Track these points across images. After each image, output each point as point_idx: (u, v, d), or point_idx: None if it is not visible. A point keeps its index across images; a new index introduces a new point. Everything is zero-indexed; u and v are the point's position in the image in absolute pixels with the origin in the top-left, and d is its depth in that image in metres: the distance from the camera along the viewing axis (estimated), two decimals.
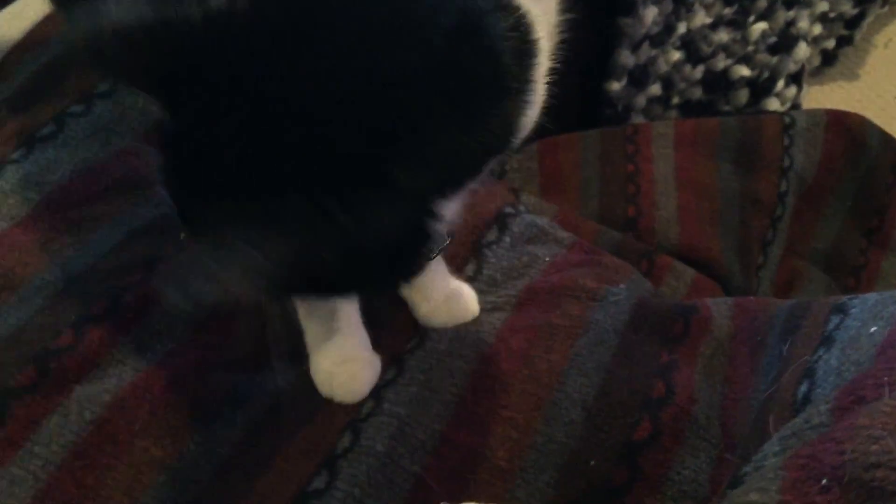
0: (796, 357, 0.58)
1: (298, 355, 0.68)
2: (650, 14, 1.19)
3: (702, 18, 1.25)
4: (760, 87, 1.34)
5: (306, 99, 0.44)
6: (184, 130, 0.47)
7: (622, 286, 0.73)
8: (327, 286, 0.52)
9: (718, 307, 0.74)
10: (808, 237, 1.13)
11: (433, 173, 0.47)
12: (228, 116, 0.44)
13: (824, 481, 0.40)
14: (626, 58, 1.22)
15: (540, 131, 1.23)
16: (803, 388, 0.53)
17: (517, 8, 0.47)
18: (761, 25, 1.28)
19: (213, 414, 0.65)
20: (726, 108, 1.33)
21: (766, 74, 1.33)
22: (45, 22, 0.92)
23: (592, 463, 0.61)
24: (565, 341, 0.68)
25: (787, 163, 1.14)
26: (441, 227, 0.50)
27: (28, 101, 0.86)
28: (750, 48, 1.30)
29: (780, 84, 1.34)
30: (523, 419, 0.63)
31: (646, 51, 1.23)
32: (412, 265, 0.54)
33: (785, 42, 1.31)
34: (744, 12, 1.27)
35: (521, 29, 0.47)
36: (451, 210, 0.51)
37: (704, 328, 0.71)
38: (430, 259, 0.62)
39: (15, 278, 0.72)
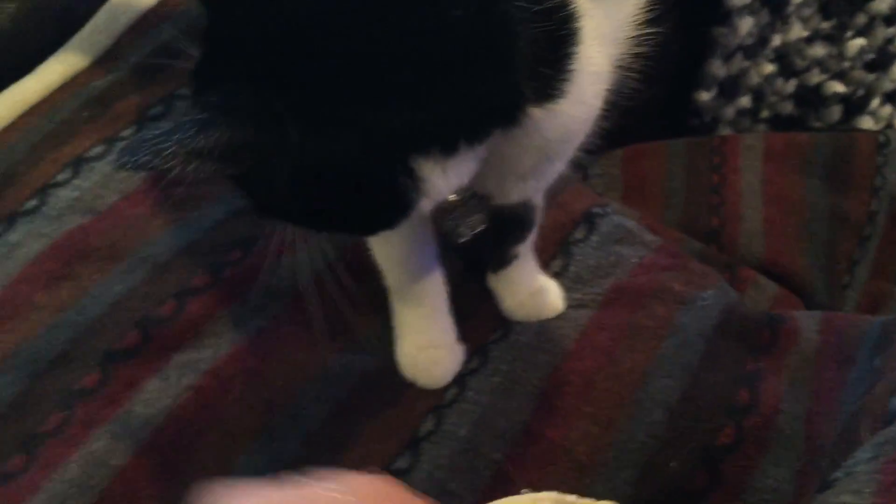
0: (890, 370, 0.57)
1: (388, 339, 0.70)
2: (745, 25, 1.18)
3: (798, 32, 1.23)
4: (854, 105, 1.31)
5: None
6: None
7: (710, 291, 0.73)
8: (282, 210, 0.50)
9: (806, 320, 0.73)
10: None
11: (405, 119, 0.43)
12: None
13: None
14: (718, 68, 1.21)
15: (624, 138, 1.24)
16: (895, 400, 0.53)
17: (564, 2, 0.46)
18: (859, 41, 1.26)
19: (303, 389, 0.67)
20: (817, 124, 1.31)
21: (861, 92, 1.30)
22: (160, 5, 0.96)
23: (673, 464, 0.62)
24: (650, 342, 0.68)
25: (879, 182, 1.12)
26: (427, 194, 0.46)
27: (139, 82, 0.90)
28: (846, 64, 1.28)
29: (876, 102, 1.31)
30: (605, 416, 0.64)
31: (738, 62, 1.22)
32: (374, 217, 0.49)
33: (883, 59, 1.28)
34: (842, 27, 1.25)
35: (556, 15, 0.46)
36: (443, 180, 0.46)
37: (792, 340, 0.70)
38: (461, 240, 0.61)
39: (121, 249, 0.76)
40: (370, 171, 0.44)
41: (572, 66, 0.47)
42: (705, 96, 1.24)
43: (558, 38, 0.46)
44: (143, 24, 0.95)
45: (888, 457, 0.42)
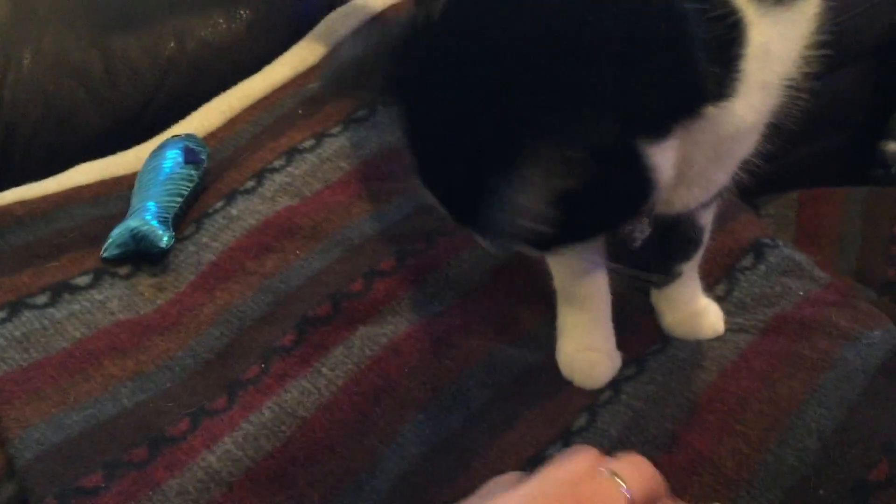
0: None
1: (551, 338, 0.75)
2: None
3: None
4: None
5: (512, 56, 0.48)
6: (424, 125, 0.53)
7: (877, 332, 0.73)
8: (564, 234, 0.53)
9: None
10: None
11: (628, 106, 0.47)
12: (455, 97, 0.49)
13: None
14: None
15: (804, 183, 1.22)
16: None
17: (732, 9, 0.50)
18: None
19: (469, 372, 0.73)
20: None
21: None
22: (373, 21, 1.06)
23: (821, 492, 0.62)
24: (810, 372, 0.69)
25: None
26: (660, 180, 0.50)
27: (348, 88, 1.00)
28: None
29: None
30: (756, 436, 0.65)
31: None
32: (623, 210, 0.53)
33: None
34: None
35: (725, 21, 0.49)
36: (667, 165, 0.50)
37: None
38: (634, 244, 0.64)
39: (321, 231, 0.85)
40: (620, 163, 0.49)
41: (742, 68, 0.51)
42: (892, 146, 1.22)
43: (728, 40, 0.50)
44: (358, 35, 1.05)
45: None
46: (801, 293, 0.78)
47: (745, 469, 0.64)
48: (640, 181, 0.50)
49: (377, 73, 0.57)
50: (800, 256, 0.82)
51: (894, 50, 1.19)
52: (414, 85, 0.52)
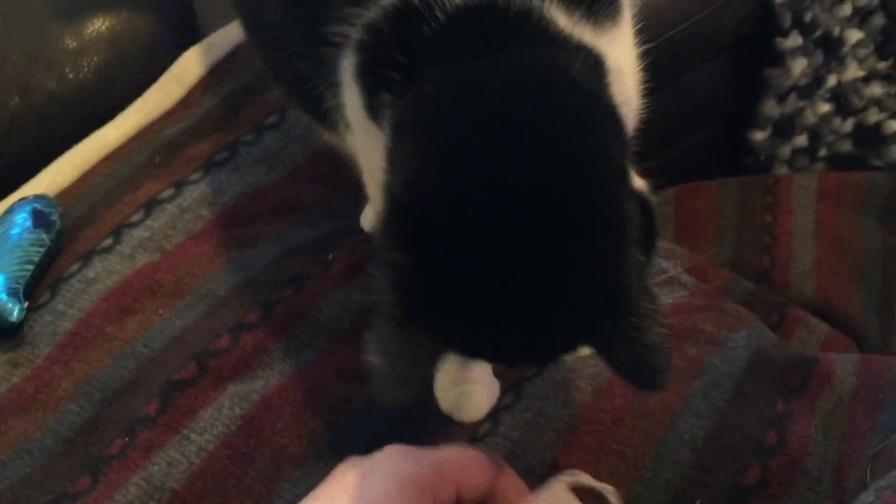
0: None
1: (427, 374, 0.73)
2: (798, 66, 1.19)
3: (854, 71, 1.23)
4: None
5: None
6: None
7: (742, 333, 0.74)
8: None
9: (843, 363, 0.74)
10: None
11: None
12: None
13: None
14: (772, 108, 1.22)
15: (678, 177, 1.25)
16: None
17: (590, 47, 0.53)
18: None
19: (346, 420, 0.71)
20: (877, 162, 1.30)
21: None
22: (228, 59, 1.04)
23: (698, 502, 0.63)
24: (680, 382, 0.69)
25: None
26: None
27: (208, 129, 0.97)
28: None
29: None
30: (632, 453, 0.66)
31: (792, 102, 1.22)
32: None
33: None
34: None
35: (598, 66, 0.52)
36: None
37: (825, 382, 0.71)
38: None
39: (184, 286, 0.82)
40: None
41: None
42: (760, 136, 1.25)
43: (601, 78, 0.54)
44: (213, 76, 1.02)
45: (882, 499, 0.43)
46: (669, 301, 0.78)
47: (624, 488, 0.64)
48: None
49: None
50: (666, 263, 0.83)
51: (750, 42, 1.22)
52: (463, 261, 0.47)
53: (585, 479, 0.60)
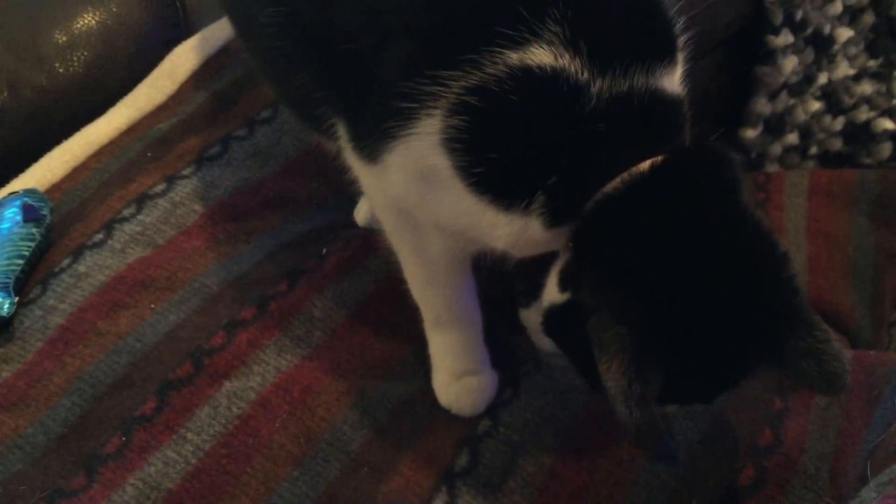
0: None
1: (424, 366, 0.73)
2: (790, 64, 1.19)
3: (844, 70, 1.23)
4: None
5: None
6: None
7: None
8: None
9: None
10: None
11: None
12: None
13: None
14: (763, 106, 1.22)
15: None
16: None
17: None
18: None
19: (343, 416, 0.71)
20: (868, 160, 1.30)
21: None
22: (219, 54, 1.03)
23: (694, 502, 0.63)
24: None
25: None
26: None
27: (200, 124, 0.96)
28: (895, 101, 1.27)
29: None
30: (627, 455, 0.66)
31: (783, 100, 1.22)
32: None
33: None
34: (889, 65, 1.25)
35: None
36: None
37: None
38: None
39: (177, 281, 0.81)
40: None
41: None
42: (751, 133, 1.25)
43: None
44: (205, 70, 1.01)
45: (885, 494, 0.44)
46: None
47: (619, 492, 0.64)
48: None
49: None
50: None
51: (742, 40, 1.22)
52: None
53: None
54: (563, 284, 0.58)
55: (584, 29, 0.51)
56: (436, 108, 0.52)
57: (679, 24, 0.58)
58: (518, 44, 0.50)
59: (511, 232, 0.55)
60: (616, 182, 0.52)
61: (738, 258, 0.52)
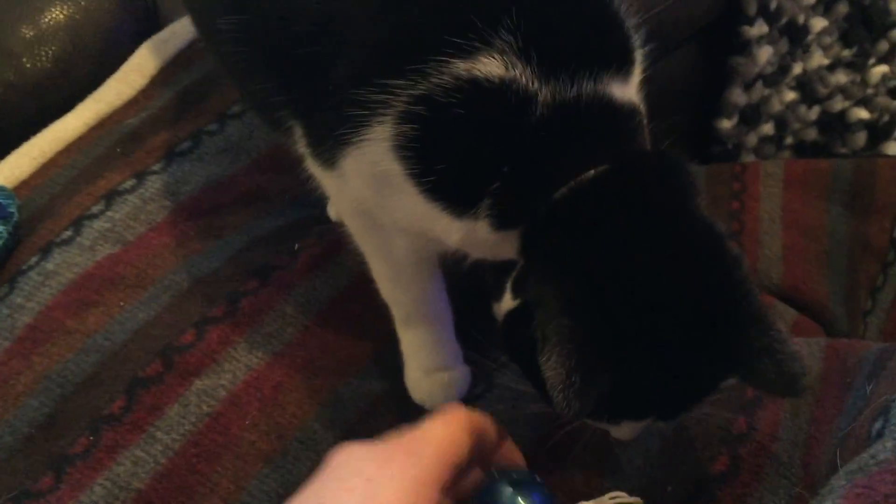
0: (878, 396, 0.58)
1: (396, 363, 0.72)
2: (764, 54, 1.19)
3: (819, 60, 1.24)
4: (880, 131, 1.31)
5: None
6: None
7: None
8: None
9: (810, 347, 0.74)
10: None
11: None
12: None
13: None
14: (738, 96, 1.23)
15: None
16: (877, 425, 0.54)
17: None
18: (882, 68, 1.26)
19: (315, 415, 0.70)
20: (843, 150, 1.31)
21: (885, 118, 1.30)
22: (190, 48, 1.01)
23: (669, 489, 0.63)
24: None
25: None
26: None
27: (171, 119, 0.95)
28: (869, 91, 1.28)
29: None
30: (601, 444, 0.65)
31: (759, 90, 1.23)
32: None
33: None
34: (863, 55, 1.25)
35: None
36: None
37: None
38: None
39: (147, 278, 0.80)
40: None
41: None
42: (727, 124, 1.25)
43: None
44: (175, 65, 1.00)
45: (853, 483, 0.44)
46: None
47: (594, 479, 0.64)
48: None
49: None
50: None
51: (717, 31, 1.23)
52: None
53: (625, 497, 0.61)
54: (515, 290, 0.58)
55: (535, 38, 0.50)
56: (386, 115, 0.52)
57: (637, 33, 0.57)
58: (467, 53, 0.50)
59: (463, 235, 0.55)
60: (563, 189, 0.53)
61: (687, 260, 0.51)
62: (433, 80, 0.50)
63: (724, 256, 0.52)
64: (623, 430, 0.59)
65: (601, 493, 0.63)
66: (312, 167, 0.64)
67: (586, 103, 0.52)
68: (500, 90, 0.50)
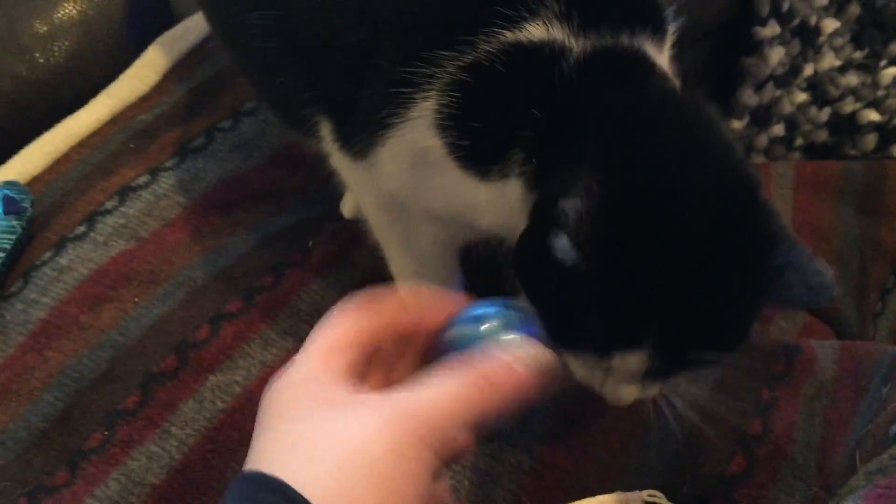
0: (894, 399, 0.58)
1: None
2: (776, 55, 1.19)
3: (830, 61, 1.23)
4: (890, 133, 1.30)
5: None
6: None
7: None
8: None
9: (824, 349, 0.74)
10: None
11: None
12: None
13: None
14: (749, 97, 1.22)
15: None
16: (895, 427, 0.54)
17: None
18: (893, 70, 1.26)
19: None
20: (853, 151, 1.31)
21: None
22: (203, 44, 1.01)
23: (685, 490, 0.63)
24: None
25: None
26: None
27: (184, 115, 0.95)
28: (880, 93, 1.28)
29: None
30: (618, 443, 0.65)
31: (770, 91, 1.22)
32: None
33: None
34: (875, 56, 1.25)
35: None
36: None
37: (808, 369, 0.71)
38: None
39: (161, 273, 0.80)
40: None
41: None
42: (738, 125, 1.25)
43: None
44: (189, 60, 1.00)
45: (875, 484, 0.44)
46: None
47: (610, 478, 0.64)
48: None
49: None
50: None
51: (729, 31, 1.22)
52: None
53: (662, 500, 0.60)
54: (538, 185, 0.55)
55: (577, 2, 0.52)
56: (431, 89, 0.54)
57: (671, 8, 0.60)
58: (515, 23, 0.52)
59: (495, 202, 0.55)
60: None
61: (711, 174, 0.50)
62: (480, 48, 0.52)
63: (747, 178, 0.51)
64: (618, 389, 0.53)
65: (615, 493, 0.63)
66: (339, 162, 0.65)
67: (621, 53, 0.53)
68: (540, 49, 0.52)
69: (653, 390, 0.54)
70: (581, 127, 0.52)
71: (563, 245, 0.48)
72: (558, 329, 0.49)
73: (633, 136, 0.50)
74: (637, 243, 0.47)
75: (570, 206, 0.47)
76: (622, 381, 0.52)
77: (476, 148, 0.55)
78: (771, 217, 0.51)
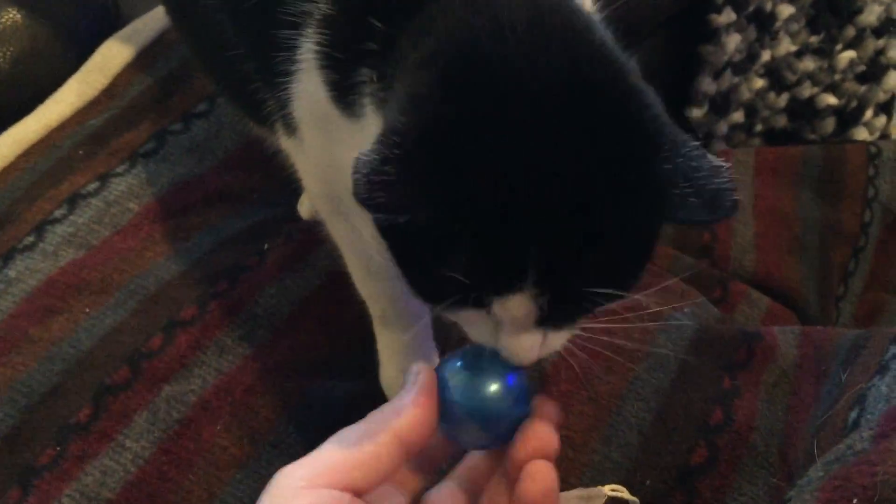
0: (853, 385, 0.58)
1: (370, 363, 0.71)
2: (732, 42, 1.19)
3: (787, 46, 1.24)
4: (848, 116, 1.31)
5: None
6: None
7: (686, 310, 0.74)
8: None
9: (785, 335, 0.74)
10: (893, 269, 1.11)
11: None
12: None
13: (855, 501, 0.41)
14: (708, 85, 1.22)
15: None
16: (853, 414, 0.54)
17: None
18: (849, 54, 1.26)
19: (288, 417, 0.69)
20: (812, 136, 1.31)
21: (854, 103, 1.31)
22: (153, 46, 0.99)
23: (648, 483, 0.62)
24: (625, 364, 0.69)
25: (871, 193, 1.12)
26: None
27: (134, 119, 0.93)
28: (837, 77, 1.29)
29: (869, 113, 1.31)
30: (580, 438, 0.65)
31: (728, 78, 1.23)
32: None
33: (874, 71, 1.29)
34: (831, 41, 1.26)
35: None
36: None
37: (769, 356, 0.71)
38: None
39: (113, 282, 0.78)
40: None
41: None
42: (697, 113, 1.25)
43: None
44: (138, 63, 0.98)
45: (831, 474, 0.43)
46: None
47: (573, 474, 0.63)
48: None
49: None
50: None
51: (685, 19, 1.22)
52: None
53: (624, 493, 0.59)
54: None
55: None
56: (309, 27, 0.49)
57: None
58: None
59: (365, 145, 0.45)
60: None
61: (566, 69, 0.42)
62: None
63: (613, 64, 0.43)
64: (514, 343, 0.46)
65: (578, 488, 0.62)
66: (285, 145, 0.62)
67: None
68: None
69: (558, 340, 0.48)
70: (416, 30, 0.45)
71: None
72: (425, 286, 0.44)
73: (465, 32, 0.43)
74: (477, 163, 0.40)
75: (363, 162, 0.39)
76: (516, 332, 0.45)
77: (336, 74, 0.49)
78: (649, 109, 0.42)
